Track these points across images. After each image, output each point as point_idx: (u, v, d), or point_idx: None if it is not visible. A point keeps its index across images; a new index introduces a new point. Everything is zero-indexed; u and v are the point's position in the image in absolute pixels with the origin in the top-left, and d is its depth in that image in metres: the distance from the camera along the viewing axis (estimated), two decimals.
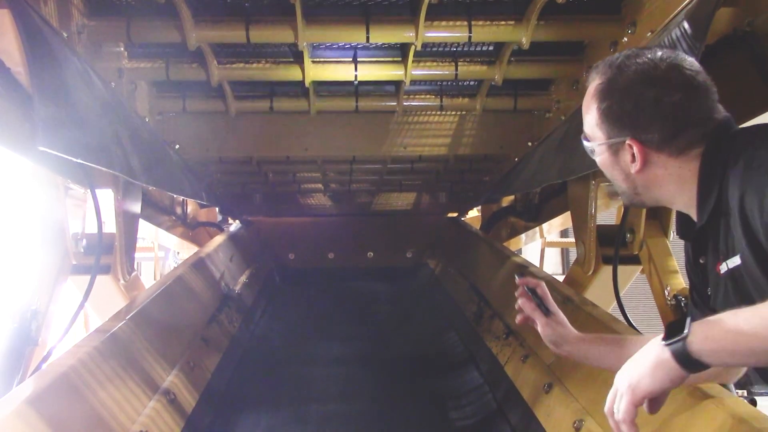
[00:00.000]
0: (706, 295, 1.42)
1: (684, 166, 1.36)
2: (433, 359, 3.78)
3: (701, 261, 1.42)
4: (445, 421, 3.01)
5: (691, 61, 1.37)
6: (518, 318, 1.71)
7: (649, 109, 1.34)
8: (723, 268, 1.33)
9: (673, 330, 1.17)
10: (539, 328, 1.66)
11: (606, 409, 1.27)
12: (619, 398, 1.23)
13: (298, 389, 3.29)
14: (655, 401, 1.22)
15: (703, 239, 1.39)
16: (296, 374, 3.50)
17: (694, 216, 1.40)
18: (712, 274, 1.38)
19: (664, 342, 1.17)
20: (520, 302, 1.68)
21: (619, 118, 1.37)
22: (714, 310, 1.34)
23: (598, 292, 3.34)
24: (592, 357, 1.65)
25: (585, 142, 1.48)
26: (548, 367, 2.59)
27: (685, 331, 1.14)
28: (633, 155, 1.37)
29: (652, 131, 1.35)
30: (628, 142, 1.37)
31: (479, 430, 2.89)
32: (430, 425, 2.97)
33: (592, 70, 1.45)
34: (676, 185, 1.38)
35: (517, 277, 1.70)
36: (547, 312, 1.65)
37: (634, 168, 1.38)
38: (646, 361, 1.20)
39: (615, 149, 1.40)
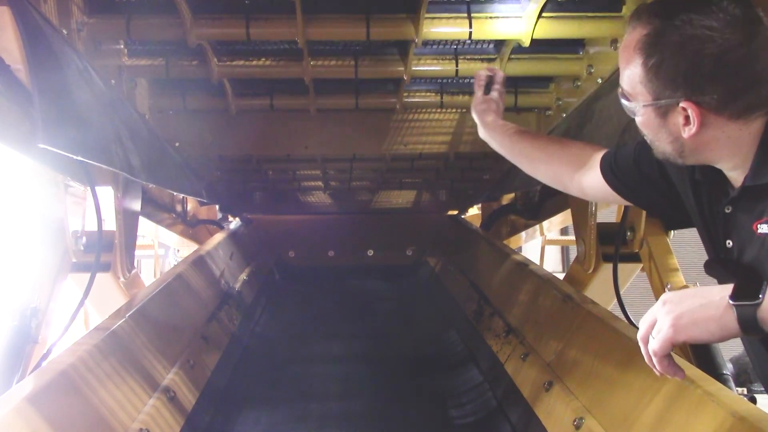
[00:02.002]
0: (723, 245, 1.35)
1: (744, 129, 1.23)
2: (433, 357, 3.78)
3: (727, 210, 1.33)
4: (445, 419, 3.01)
5: (748, 5, 1.21)
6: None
7: (709, 68, 1.19)
8: (763, 228, 1.24)
9: (743, 289, 1.11)
10: (474, 100, 1.90)
11: (640, 335, 1.22)
12: (657, 330, 1.17)
13: (298, 387, 3.29)
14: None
15: (742, 193, 1.29)
16: (296, 372, 3.51)
17: (735, 174, 1.30)
18: (743, 228, 1.30)
19: (732, 300, 1.11)
20: (479, 73, 1.93)
21: (672, 78, 1.22)
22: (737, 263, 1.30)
23: (599, 290, 3.34)
24: (501, 144, 1.85)
25: (625, 102, 1.33)
26: (548, 366, 2.58)
27: (761, 297, 1.09)
28: (687, 117, 1.23)
29: (710, 92, 1.20)
30: (682, 104, 1.22)
31: (479, 429, 2.89)
32: (430, 423, 2.97)
33: (633, 18, 1.28)
34: (731, 148, 1.25)
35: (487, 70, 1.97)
36: (487, 92, 1.91)
37: (688, 132, 1.24)
38: (703, 310, 1.13)
39: (664, 110, 1.26)
